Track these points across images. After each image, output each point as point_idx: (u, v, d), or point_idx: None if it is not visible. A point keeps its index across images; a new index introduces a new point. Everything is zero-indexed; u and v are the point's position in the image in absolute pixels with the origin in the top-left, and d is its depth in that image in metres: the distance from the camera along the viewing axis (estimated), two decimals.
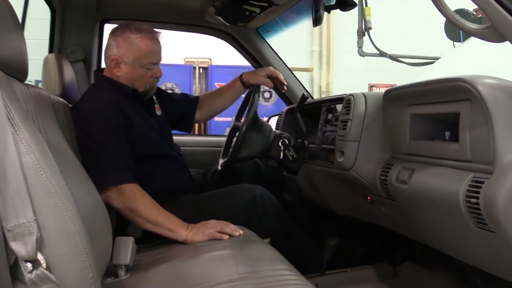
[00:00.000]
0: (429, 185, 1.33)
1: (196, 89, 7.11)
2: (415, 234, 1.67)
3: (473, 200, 1.16)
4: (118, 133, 1.76)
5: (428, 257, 1.89)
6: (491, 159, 1.13)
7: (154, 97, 2.08)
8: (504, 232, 1.11)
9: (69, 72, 1.97)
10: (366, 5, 5.17)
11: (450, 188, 1.23)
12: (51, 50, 2.41)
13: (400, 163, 1.54)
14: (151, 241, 1.75)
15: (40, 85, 1.98)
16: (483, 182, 1.14)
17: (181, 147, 2.15)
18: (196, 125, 6.85)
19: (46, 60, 1.94)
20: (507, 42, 1.08)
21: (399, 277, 2.03)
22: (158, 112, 2.09)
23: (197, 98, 2.31)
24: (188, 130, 2.32)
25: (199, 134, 6.16)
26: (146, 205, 1.68)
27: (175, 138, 2.18)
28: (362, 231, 2.37)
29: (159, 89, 2.10)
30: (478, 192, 1.14)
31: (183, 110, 2.26)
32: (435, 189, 1.30)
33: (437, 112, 1.39)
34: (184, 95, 2.32)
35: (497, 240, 1.16)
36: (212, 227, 1.67)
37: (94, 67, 2.42)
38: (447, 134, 1.37)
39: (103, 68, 1.98)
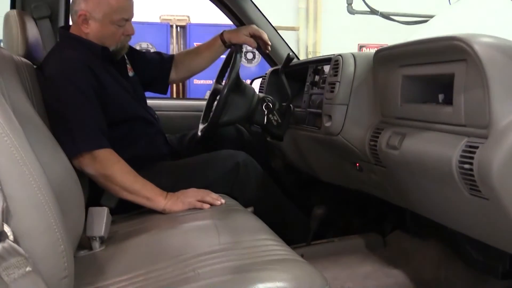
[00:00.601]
0: (421, 150, 1.34)
1: (174, 49, 7.02)
2: (405, 202, 1.69)
3: (466, 166, 1.17)
4: (90, 95, 1.73)
5: (418, 226, 1.92)
6: (486, 122, 1.14)
7: (126, 57, 2.04)
8: (498, 199, 1.13)
9: (33, 30, 1.92)
10: None
11: (442, 153, 1.24)
12: (13, 5, 2.34)
13: (390, 127, 1.54)
14: (127, 211, 1.75)
15: (1, 44, 1.93)
16: (477, 147, 1.15)
17: (156, 112, 2.13)
18: (174, 89, 6.80)
19: (7, 17, 1.88)
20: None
21: (388, 247, 2.07)
22: (130, 73, 2.05)
23: (172, 56, 2.28)
24: (163, 92, 2.30)
25: (177, 98, 6.11)
26: (122, 171, 1.67)
27: (150, 102, 2.16)
28: (350, 199, 2.40)
29: (130, 47, 2.06)
30: (472, 158, 1.15)
31: (157, 70, 2.22)
32: (427, 155, 1.31)
33: (430, 73, 1.39)
34: (158, 53, 2.28)
35: (491, 208, 1.18)
36: (192, 195, 1.68)
37: (61, 24, 2.36)
38: (441, 96, 1.37)
39: (70, 26, 1.94)
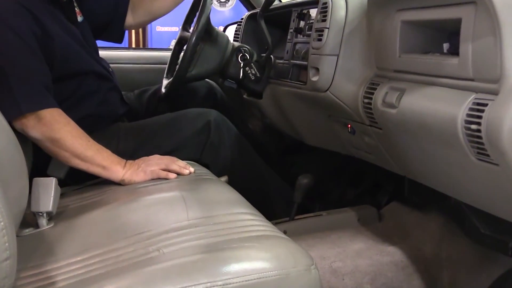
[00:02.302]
0: (422, 108, 1.36)
1: None
2: (403, 169, 1.71)
3: (473, 126, 1.18)
4: (31, 45, 1.70)
5: (418, 197, 1.95)
6: (497, 76, 1.15)
7: None
8: (509, 165, 1.15)
9: None
10: None
11: (447, 112, 1.26)
12: None
13: (387, 82, 1.55)
14: (79, 182, 1.75)
15: None
16: (486, 105, 1.16)
17: (111, 65, 2.11)
18: (133, 37, 6.69)
19: None
20: None
21: (384, 221, 2.10)
22: (79, 18, 2.01)
23: None
24: (119, 40, 2.27)
25: (136, 48, 6.03)
26: (73, 134, 1.66)
27: (103, 53, 2.13)
28: (340, 167, 2.42)
29: None
30: (480, 117, 1.17)
31: (110, 13, 2.18)
32: (429, 114, 1.33)
33: (434, 18, 1.39)
34: None
35: (501, 174, 1.20)
36: (155, 163, 1.68)
37: None
38: (445, 46, 1.38)
39: None
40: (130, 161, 1.69)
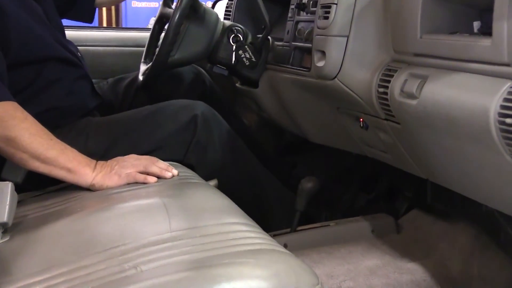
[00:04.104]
0: (447, 99, 1.36)
1: None
2: (425, 171, 1.72)
3: (509, 120, 1.19)
4: None
5: (443, 204, 1.95)
6: None
7: None
8: None
9: None
10: None
11: (477, 103, 1.26)
12: None
13: (406, 68, 1.55)
14: (39, 188, 1.75)
15: None
16: None
17: (79, 47, 2.11)
18: (104, 14, 6.69)
19: None
20: None
21: (403, 232, 2.11)
22: None
23: None
24: (89, 19, 2.27)
25: (109, 28, 6.02)
26: (31, 132, 1.64)
27: (70, 33, 2.13)
28: (351, 168, 2.42)
29: None
30: None
31: None
32: (456, 105, 1.33)
33: None
34: None
35: None
36: (131, 165, 1.67)
37: None
38: (476, 25, 1.38)
39: None
40: (101, 162, 1.68)
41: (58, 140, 1.67)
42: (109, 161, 1.69)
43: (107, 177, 1.65)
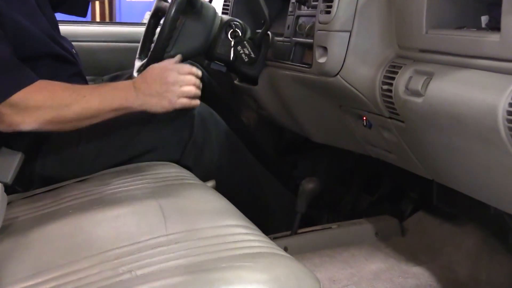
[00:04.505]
0: (454, 96, 1.36)
1: None
2: (431, 172, 1.72)
3: None
4: None
5: (449, 206, 1.95)
6: None
7: None
8: None
9: None
10: None
11: (485, 100, 1.26)
12: None
13: (411, 64, 1.55)
14: (30, 188, 1.75)
15: None
16: None
17: (73, 43, 2.10)
18: (97, 7, 6.69)
19: None
20: None
21: (408, 235, 2.11)
22: None
23: None
24: (82, 13, 2.26)
25: (102, 22, 6.02)
26: (66, 102, 1.70)
27: (64, 28, 2.12)
28: (353, 168, 2.42)
29: None
30: None
31: None
32: (463, 103, 1.33)
33: None
34: None
35: None
36: (180, 92, 1.78)
37: None
38: (484, 19, 1.38)
39: None
40: (139, 81, 1.78)
41: (92, 89, 1.78)
42: (148, 77, 1.78)
43: (159, 105, 1.76)
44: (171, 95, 1.76)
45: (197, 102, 1.81)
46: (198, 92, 1.82)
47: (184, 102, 1.78)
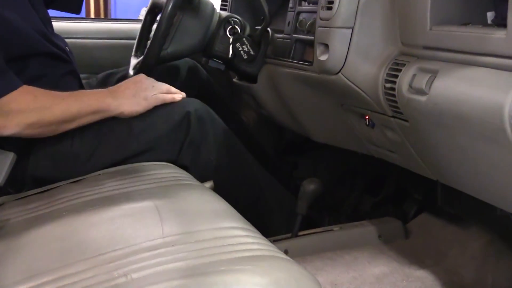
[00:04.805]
0: (459, 95, 1.36)
1: None
2: (436, 172, 1.72)
3: None
4: None
5: (454, 207, 1.95)
6: None
7: None
8: None
9: None
10: None
11: (491, 99, 1.26)
12: None
13: (415, 62, 1.55)
14: (23, 190, 1.75)
15: None
16: None
17: (67, 40, 2.10)
18: (91, 3, 6.68)
19: None
20: None
21: (412, 237, 2.11)
22: None
23: None
24: (76, 10, 2.26)
25: (96, 19, 6.02)
26: (45, 106, 1.75)
27: (57, 25, 2.12)
28: (356, 169, 2.42)
29: None
30: None
31: None
32: (468, 101, 1.33)
33: None
34: None
35: None
36: (152, 87, 1.85)
37: None
38: (490, 15, 1.38)
39: None
40: (114, 89, 1.85)
41: (70, 93, 1.81)
42: (122, 85, 1.87)
43: (134, 103, 1.83)
44: (145, 92, 1.84)
45: (175, 95, 1.90)
46: (171, 89, 1.92)
47: (159, 96, 1.87)
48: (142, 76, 1.90)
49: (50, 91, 1.79)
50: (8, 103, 1.68)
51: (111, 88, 1.86)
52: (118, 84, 1.88)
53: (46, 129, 1.77)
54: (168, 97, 1.87)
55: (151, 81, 1.89)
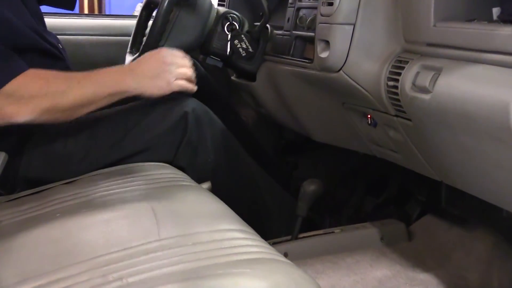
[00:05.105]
0: (464, 93, 1.36)
1: None
2: (440, 173, 1.72)
3: None
4: None
5: (459, 208, 1.95)
6: None
7: None
8: None
9: None
10: None
11: (496, 97, 1.26)
12: None
13: (418, 59, 1.55)
14: (15, 191, 1.75)
15: None
16: None
17: (60, 36, 2.10)
18: (85, 0, 6.68)
19: None
20: None
21: (415, 240, 2.11)
22: None
23: None
24: (70, 6, 2.26)
25: (91, 15, 6.02)
26: (60, 89, 1.71)
27: (50, 21, 2.12)
28: (357, 169, 2.42)
29: None
30: None
31: None
32: (473, 100, 1.33)
33: None
34: None
35: None
36: (177, 73, 1.81)
37: None
38: (496, 11, 1.38)
39: None
40: (134, 65, 1.82)
41: (85, 74, 1.77)
42: (144, 62, 1.81)
43: (156, 86, 1.79)
44: (168, 75, 1.79)
45: (194, 86, 1.86)
46: (193, 76, 1.87)
47: (181, 83, 1.83)
48: (166, 52, 1.85)
49: (63, 72, 1.77)
50: (19, 88, 1.67)
51: (131, 65, 1.83)
52: (139, 60, 1.84)
53: (63, 115, 1.74)
54: (190, 87, 1.85)
55: (174, 59, 1.85)
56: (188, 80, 1.85)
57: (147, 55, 1.84)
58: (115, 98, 1.78)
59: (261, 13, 2.14)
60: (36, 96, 1.69)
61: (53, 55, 1.98)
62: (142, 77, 1.77)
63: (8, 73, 1.67)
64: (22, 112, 1.67)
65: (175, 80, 1.80)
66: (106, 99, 1.76)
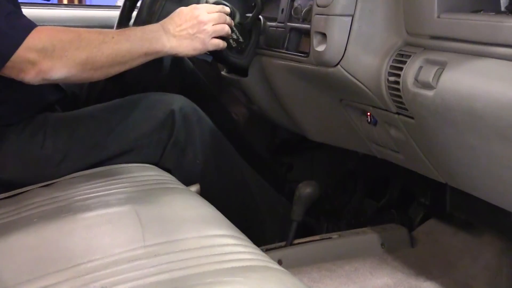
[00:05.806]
0: (470, 89, 1.37)
1: None
2: (444, 174, 1.72)
3: None
4: None
5: (465, 213, 1.96)
6: None
7: None
8: None
9: None
10: None
11: (504, 93, 1.26)
12: None
13: (421, 53, 1.56)
14: None
15: None
16: None
17: None
18: None
19: None
20: None
21: (419, 246, 2.11)
22: None
23: None
24: None
25: (70, 5, 6.02)
26: (92, 43, 1.73)
27: (28, 12, 2.12)
28: (356, 171, 2.43)
29: None
30: None
31: None
32: (479, 96, 1.33)
33: None
34: None
35: None
36: (213, 31, 1.90)
37: None
38: (503, 2, 1.38)
39: None
40: (167, 22, 1.85)
41: (118, 31, 1.82)
42: (178, 20, 1.86)
43: (191, 46, 1.87)
44: (204, 35, 1.87)
45: (225, 43, 1.95)
46: (229, 30, 1.99)
47: (216, 42, 1.93)
48: (202, 9, 1.91)
49: (95, 29, 1.82)
50: (51, 40, 1.68)
51: (165, 23, 1.85)
52: (172, 17, 1.87)
53: (98, 72, 1.75)
54: (222, 45, 1.95)
55: (210, 16, 1.91)
56: (226, 34, 1.97)
57: (182, 12, 1.89)
58: (149, 58, 1.82)
59: (253, 4, 2.13)
60: (69, 49, 1.69)
61: None
62: (177, 37, 1.83)
63: (34, 25, 1.70)
64: (56, 67, 1.68)
65: (210, 39, 1.88)
66: (141, 58, 1.79)
